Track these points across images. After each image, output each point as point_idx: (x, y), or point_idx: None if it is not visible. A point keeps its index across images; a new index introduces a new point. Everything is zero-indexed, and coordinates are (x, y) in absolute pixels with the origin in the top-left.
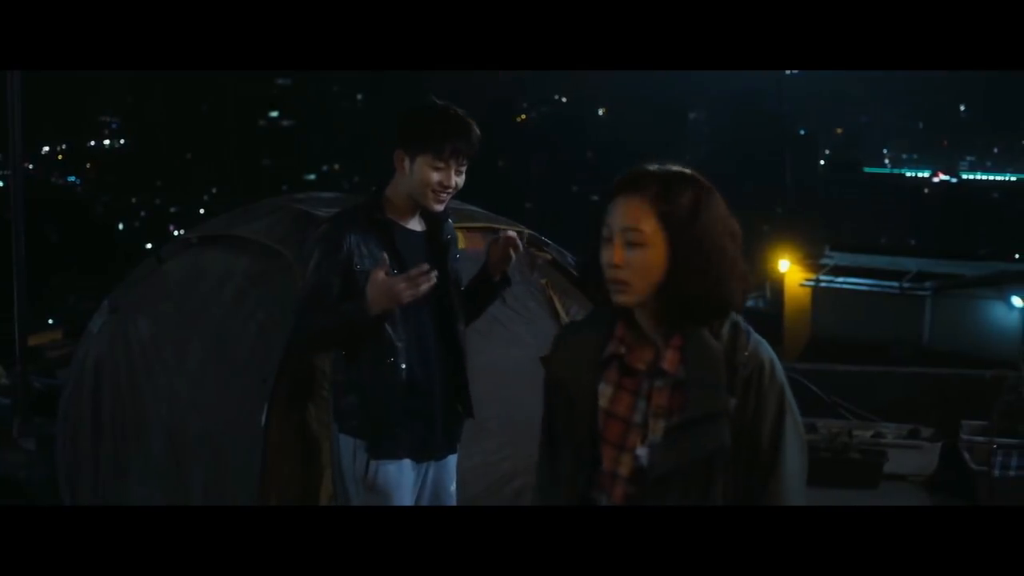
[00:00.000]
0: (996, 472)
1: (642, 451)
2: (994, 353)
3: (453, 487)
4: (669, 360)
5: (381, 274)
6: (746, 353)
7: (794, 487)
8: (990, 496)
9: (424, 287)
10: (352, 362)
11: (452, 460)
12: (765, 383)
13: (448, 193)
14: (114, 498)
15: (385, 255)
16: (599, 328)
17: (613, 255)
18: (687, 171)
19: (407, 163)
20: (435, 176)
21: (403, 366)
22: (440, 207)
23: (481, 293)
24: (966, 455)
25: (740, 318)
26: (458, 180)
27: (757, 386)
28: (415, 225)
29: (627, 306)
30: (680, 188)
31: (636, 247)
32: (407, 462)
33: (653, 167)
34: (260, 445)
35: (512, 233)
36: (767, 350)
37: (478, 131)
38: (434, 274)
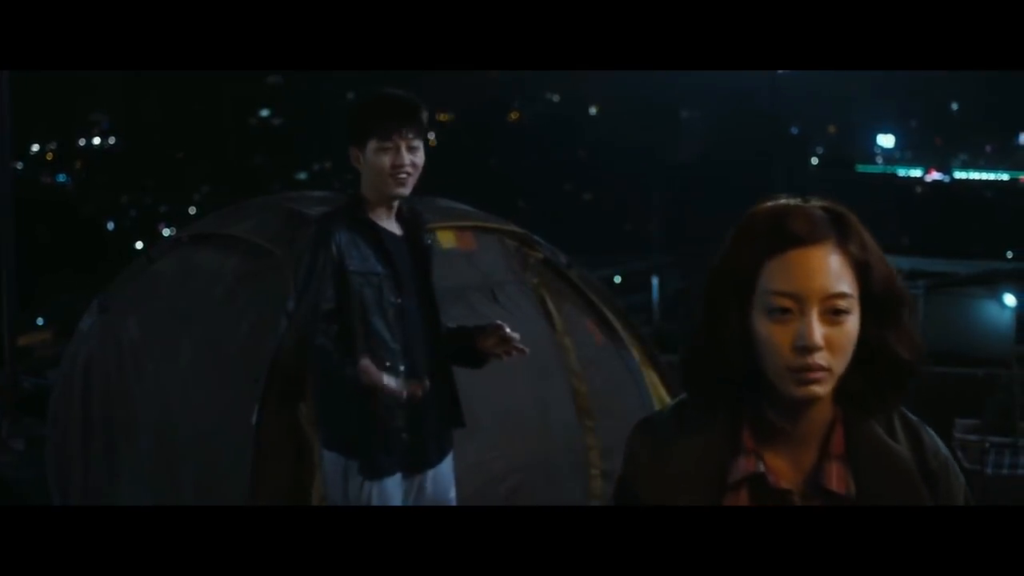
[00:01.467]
0: (989, 471)
1: None
2: (987, 351)
3: (452, 493)
4: (835, 476)
5: (371, 369)
6: (938, 458)
7: None
8: (983, 495)
9: (418, 394)
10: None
11: (447, 466)
12: (954, 486)
13: (405, 172)
14: (104, 498)
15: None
16: (709, 431)
17: (810, 334)
18: (830, 202)
19: (361, 158)
20: (386, 159)
21: (395, 377)
22: (404, 190)
23: (459, 356)
24: (959, 454)
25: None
26: (412, 158)
27: (947, 494)
28: (393, 228)
29: (815, 399)
30: (855, 224)
31: (841, 316)
32: (398, 476)
33: (793, 202)
34: (251, 444)
35: (516, 339)
36: (939, 442)
37: (416, 105)
38: (426, 383)
